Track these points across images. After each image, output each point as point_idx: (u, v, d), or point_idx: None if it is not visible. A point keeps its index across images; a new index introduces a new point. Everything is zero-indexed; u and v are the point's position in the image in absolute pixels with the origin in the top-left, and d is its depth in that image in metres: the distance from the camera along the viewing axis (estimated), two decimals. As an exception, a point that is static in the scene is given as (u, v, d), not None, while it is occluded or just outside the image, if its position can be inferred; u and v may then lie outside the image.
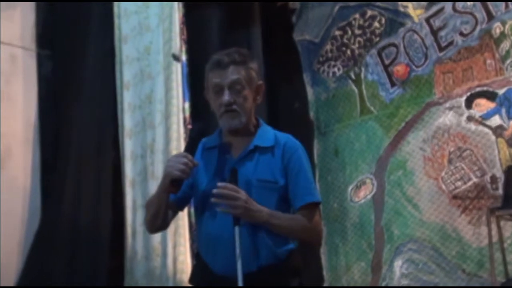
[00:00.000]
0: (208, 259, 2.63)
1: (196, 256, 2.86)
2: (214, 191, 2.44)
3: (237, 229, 2.44)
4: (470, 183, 4.68)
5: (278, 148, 2.65)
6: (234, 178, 2.50)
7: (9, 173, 4.87)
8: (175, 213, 2.81)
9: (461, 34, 4.85)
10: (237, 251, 2.41)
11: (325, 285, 5.28)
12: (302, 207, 2.61)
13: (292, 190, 2.61)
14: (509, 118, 4.55)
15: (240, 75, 2.60)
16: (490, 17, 4.71)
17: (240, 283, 2.39)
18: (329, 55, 5.59)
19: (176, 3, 4.96)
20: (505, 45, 4.62)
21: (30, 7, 5.30)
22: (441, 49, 4.94)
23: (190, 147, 2.61)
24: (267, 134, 2.70)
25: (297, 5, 5.84)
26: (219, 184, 2.46)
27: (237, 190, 2.45)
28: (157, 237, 4.70)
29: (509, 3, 4.62)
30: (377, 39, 5.31)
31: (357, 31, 5.43)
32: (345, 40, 5.51)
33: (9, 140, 4.92)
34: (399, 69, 5.15)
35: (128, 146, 5.06)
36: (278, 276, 2.57)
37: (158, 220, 2.68)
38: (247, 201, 2.44)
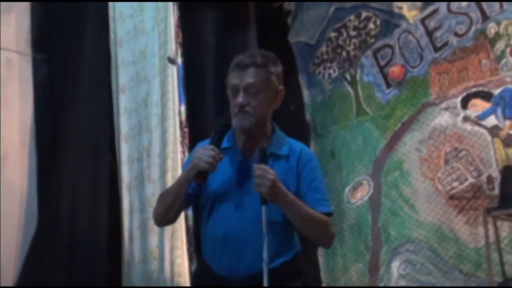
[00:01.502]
0: (212, 260, 2.64)
1: (198, 258, 2.86)
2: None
3: (264, 208, 2.46)
4: (466, 184, 4.69)
5: (293, 157, 2.67)
6: (264, 158, 2.52)
7: (6, 177, 4.85)
8: (184, 208, 2.83)
9: (456, 34, 4.86)
10: (264, 230, 2.44)
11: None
12: None
13: (302, 200, 2.61)
14: (504, 118, 4.56)
15: (257, 78, 2.60)
16: (485, 17, 4.72)
17: (265, 279, 2.42)
18: (325, 56, 5.60)
19: (171, 6, 4.96)
20: (500, 45, 4.63)
21: (26, 11, 5.28)
22: (436, 49, 4.95)
23: (216, 141, 2.61)
24: (281, 142, 2.71)
25: (292, 7, 5.86)
26: (255, 165, 2.49)
27: (265, 169, 2.46)
28: (154, 240, 4.70)
29: (504, 3, 4.63)
30: (372, 40, 5.32)
31: (352, 33, 5.45)
32: (340, 42, 5.52)
33: (5, 144, 4.91)
34: (395, 70, 5.16)
35: (125, 150, 5.05)
36: (282, 279, 2.57)
37: (171, 212, 2.68)
38: (274, 180, 2.45)
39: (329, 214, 2.67)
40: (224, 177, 2.64)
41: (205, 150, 2.54)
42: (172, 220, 2.77)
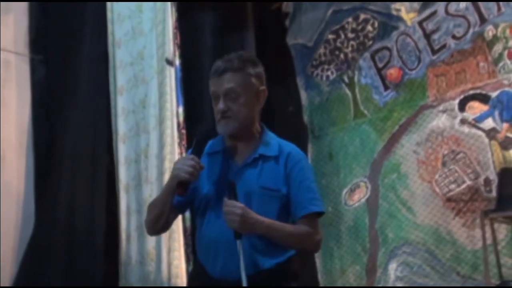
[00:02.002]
0: (206, 263, 2.64)
1: (194, 260, 2.86)
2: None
3: (239, 242, 2.45)
4: (464, 186, 4.69)
5: (282, 157, 2.65)
6: (233, 192, 2.50)
7: (3, 178, 4.86)
8: (175, 217, 2.82)
9: (454, 37, 4.86)
10: (241, 263, 2.43)
11: (320, 288, 5.29)
12: (302, 217, 2.61)
13: (293, 199, 2.61)
14: (502, 120, 4.56)
15: (235, 83, 2.59)
16: (483, 20, 4.72)
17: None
18: (323, 58, 5.60)
19: (169, 8, 4.96)
20: (497, 48, 4.64)
21: (24, 12, 5.29)
22: (434, 52, 4.96)
23: (197, 150, 2.61)
24: (271, 143, 2.70)
25: (290, 9, 5.85)
26: (224, 201, 2.48)
27: (232, 205, 2.45)
28: (151, 242, 4.70)
29: (502, 6, 4.63)
30: (370, 42, 5.32)
31: (350, 35, 5.45)
32: (338, 44, 5.52)
33: (3, 145, 4.91)
34: (392, 73, 5.16)
35: (122, 151, 5.05)
36: (276, 281, 2.58)
37: (160, 222, 2.68)
38: (243, 215, 2.44)
39: (321, 213, 2.68)
40: (213, 180, 2.64)
41: (185, 160, 2.54)
42: (163, 228, 2.76)
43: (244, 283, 2.41)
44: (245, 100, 2.61)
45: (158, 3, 5.00)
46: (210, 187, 2.64)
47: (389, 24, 5.22)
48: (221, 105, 2.59)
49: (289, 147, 2.72)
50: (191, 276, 2.83)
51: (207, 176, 2.65)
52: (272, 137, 2.74)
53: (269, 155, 2.65)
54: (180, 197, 2.64)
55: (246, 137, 2.67)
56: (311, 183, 2.68)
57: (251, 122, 2.68)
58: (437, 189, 4.80)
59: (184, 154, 4.61)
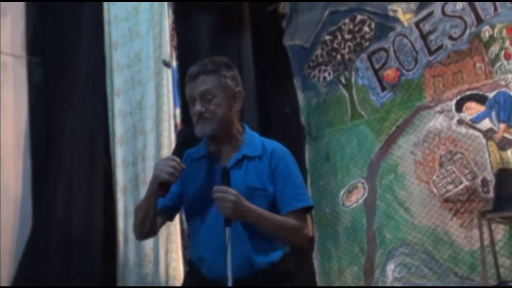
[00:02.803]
0: (201, 265, 2.65)
1: (188, 262, 2.87)
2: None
3: (228, 230, 2.45)
4: (461, 186, 4.69)
5: (266, 156, 2.67)
6: (226, 178, 2.52)
7: (1, 180, 4.85)
8: (164, 222, 2.81)
9: (451, 38, 4.87)
10: (228, 252, 2.43)
11: (318, 289, 5.29)
12: (290, 213, 2.62)
13: (279, 196, 2.63)
14: (499, 121, 4.57)
15: (209, 85, 2.62)
16: (479, 20, 4.73)
17: (229, 284, 2.40)
18: (320, 60, 5.61)
19: (166, 9, 4.96)
20: (494, 49, 4.64)
21: (20, 14, 5.29)
22: (431, 53, 4.96)
23: (178, 151, 2.61)
24: (254, 142, 2.72)
25: (287, 10, 5.85)
26: (214, 187, 2.48)
27: (225, 191, 2.46)
28: (149, 243, 4.69)
29: (498, 6, 4.64)
30: (367, 43, 5.33)
31: (347, 36, 5.45)
32: (335, 45, 5.52)
33: (0, 147, 4.90)
34: (389, 73, 5.16)
35: (119, 153, 5.05)
36: (271, 281, 2.59)
37: (146, 225, 2.68)
38: (236, 201, 2.45)
39: (309, 208, 2.69)
40: (201, 184, 2.66)
41: (165, 161, 2.55)
42: (150, 232, 2.76)
43: (229, 274, 2.40)
44: (220, 100, 2.63)
45: (155, 5, 5.00)
46: (197, 191, 2.66)
47: (386, 25, 5.22)
48: (197, 107, 2.62)
49: (272, 144, 2.73)
50: (185, 277, 2.83)
51: (194, 181, 2.67)
52: (254, 137, 2.76)
53: (252, 155, 2.67)
54: (167, 201, 2.66)
55: (227, 138, 2.69)
56: (296, 179, 2.69)
57: (230, 123, 2.69)
58: (435, 190, 4.80)
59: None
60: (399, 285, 4.86)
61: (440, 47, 4.92)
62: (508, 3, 4.61)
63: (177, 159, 2.53)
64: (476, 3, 4.74)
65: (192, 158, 2.72)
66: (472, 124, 4.69)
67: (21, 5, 5.30)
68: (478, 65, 4.71)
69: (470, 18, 4.77)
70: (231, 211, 2.45)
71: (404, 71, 5.09)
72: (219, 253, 2.49)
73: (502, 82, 4.59)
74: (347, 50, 5.44)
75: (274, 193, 2.63)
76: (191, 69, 2.68)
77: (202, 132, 2.63)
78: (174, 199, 2.70)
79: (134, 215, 2.75)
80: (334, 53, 5.52)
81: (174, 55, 4.93)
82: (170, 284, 4.53)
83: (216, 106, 2.62)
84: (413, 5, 5.07)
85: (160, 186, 2.52)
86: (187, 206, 2.73)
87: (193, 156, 2.73)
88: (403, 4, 5.12)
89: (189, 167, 2.66)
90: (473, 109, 4.70)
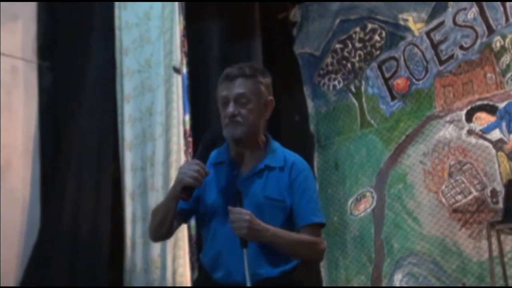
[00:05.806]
0: (212, 270, 2.65)
1: (198, 267, 2.87)
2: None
3: (245, 251, 2.47)
4: (470, 197, 4.68)
5: (287, 168, 2.68)
6: (239, 200, 2.53)
7: (9, 185, 4.85)
8: (179, 225, 2.82)
9: (462, 47, 4.86)
10: (246, 273, 2.44)
11: (324, 298, 5.27)
12: (305, 226, 2.63)
13: (296, 209, 2.64)
14: (509, 131, 4.55)
15: (246, 89, 2.63)
16: (491, 30, 4.72)
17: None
18: (330, 68, 5.61)
19: (177, 16, 4.97)
20: (505, 59, 4.63)
21: (32, 19, 5.30)
22: (441, 62, 4.95)
23: (202, 156, 2.61)
24: (277, 153, 2.73)
25: (298, 18, 5.86)
26: (229, 208, 2.49)
27: (239, 212, 2.47)
28: (156, 249, 4.69)
29: (510, 16, 4.63)
30: (378, 52, 5.33)
31: (357, 44, 5.45)
32: (345, 53, 5.52)
33: (9, 151, 4.91)
34: (400, 83, 5.16)
35: (128, 158, 5.05)
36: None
37: (163, 228, 2.69)
38: (251, 222, 2.46)
39: (321, 225, 2.69)
40: (220, 191, 2.66)
41: (190, 165, 2.55)
42: (166, 235, 2.78)
43: None
44: (254, 106, 2.64)
45: (166, 11, 5.01)
46: (216, 197, 2.66)
47: (396, 34, 5.22)
48: (231, 109, 2.61)
49: (294, 157, 2.75)
50: (195, 283, 2.84)
51: (213, 186, 2.67)
52: (277, 147, 2.77)
53: (274, 165, 2.67)
54: (184, 204, 2.66)
55: (251, 145, 2.69)
56: (312, 194, 2.70)
57: (258, 130, 2.70)
58: (444, 200, 4.79)
59: (190, 162, 4.62)
60: (407, 295, 4.85)
61: (451, 57, 4.91)
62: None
63: (201, 163, 2.54)
64: (488, 13, 4.73)
65: (211, 163, 2.71)
66: (482, 134, 4.68)
67: (32, 10, 5.32)
68: (488, 75, 4.70)
69: (481, 28, 4.77)
70: (246, 231, 2.45)
71: (414, 80, 5.09)
72: (232, 260, 2.52)
73: (513, 93, 4.59)
74: (357, 58, 5.44)
75: (291, 206, 2.63)
76: (228, 70, 2.68)
77: (232, 134, 2.63)
78: (191, 203, 2.69)
79: (152, 217, 2.75)
80: (344, 62, 5.52)
81: (184, 61, 4.93)
82: (177, 290, 4.52)
83: (249, 111, 2.62)
84: (424, 15, 5.07)
85: (183, 189, 2.52)
86: (204, 210, 2.72)
87: (213, 160, 2.73)
88: (414, 13, 5.12)
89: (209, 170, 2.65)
90: (483, 119, 4.69)
